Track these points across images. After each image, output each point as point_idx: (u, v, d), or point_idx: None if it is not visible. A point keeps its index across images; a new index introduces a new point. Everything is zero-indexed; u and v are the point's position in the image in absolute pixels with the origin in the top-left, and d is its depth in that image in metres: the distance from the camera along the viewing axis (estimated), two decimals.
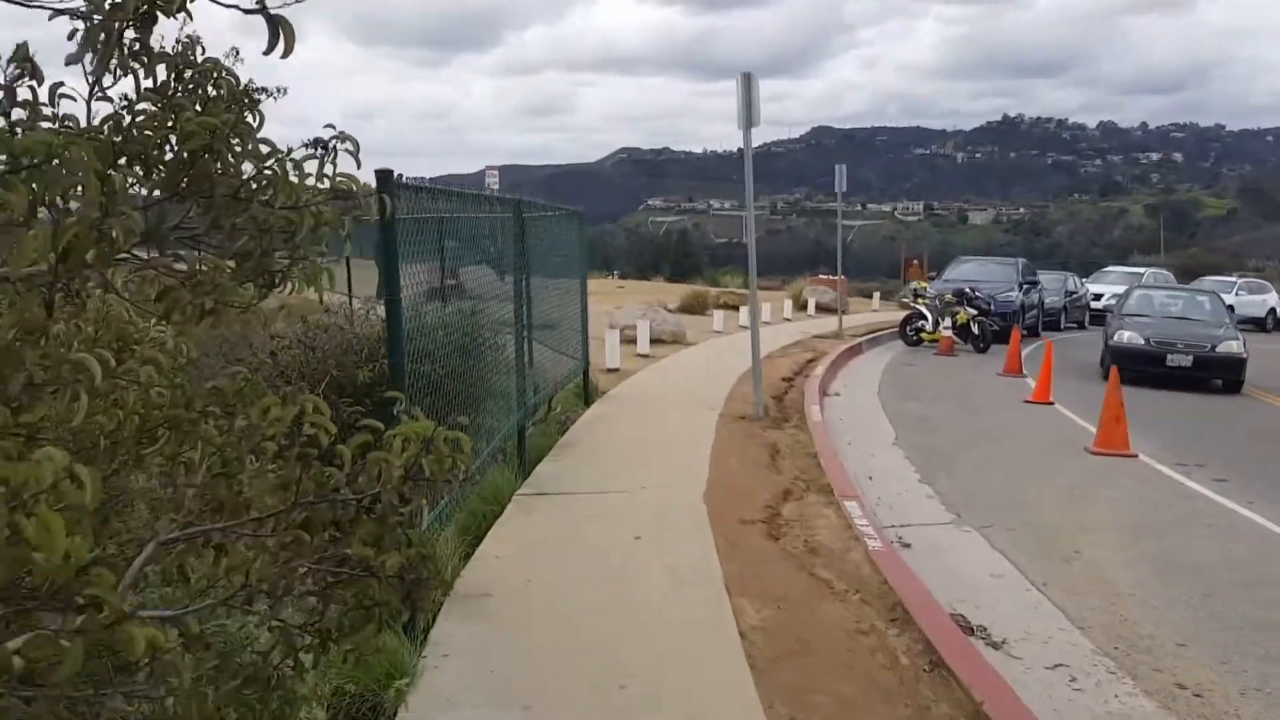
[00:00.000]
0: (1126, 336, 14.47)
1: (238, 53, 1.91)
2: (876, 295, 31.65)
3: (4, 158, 1.54)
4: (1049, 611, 5.13)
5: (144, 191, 1.94)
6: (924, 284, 19.73)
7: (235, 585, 1.65)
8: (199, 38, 2.02)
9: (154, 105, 1.86)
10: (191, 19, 1.88)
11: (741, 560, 5.40)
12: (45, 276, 1.69)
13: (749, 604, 4.72)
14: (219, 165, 1.83)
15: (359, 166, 2.07)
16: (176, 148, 1.81)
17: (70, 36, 1.69)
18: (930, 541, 6.29)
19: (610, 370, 12.69)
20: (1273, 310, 27.06)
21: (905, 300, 20.99)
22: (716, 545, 5.62)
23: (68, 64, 1.84)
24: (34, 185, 1.50)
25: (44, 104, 1.73)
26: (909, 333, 18.30)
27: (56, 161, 1.58)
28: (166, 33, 1.97)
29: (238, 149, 1.84)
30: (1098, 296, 25.89)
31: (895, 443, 9.49)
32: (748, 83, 9.73)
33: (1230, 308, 16.61)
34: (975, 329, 17.68)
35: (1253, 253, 79.04)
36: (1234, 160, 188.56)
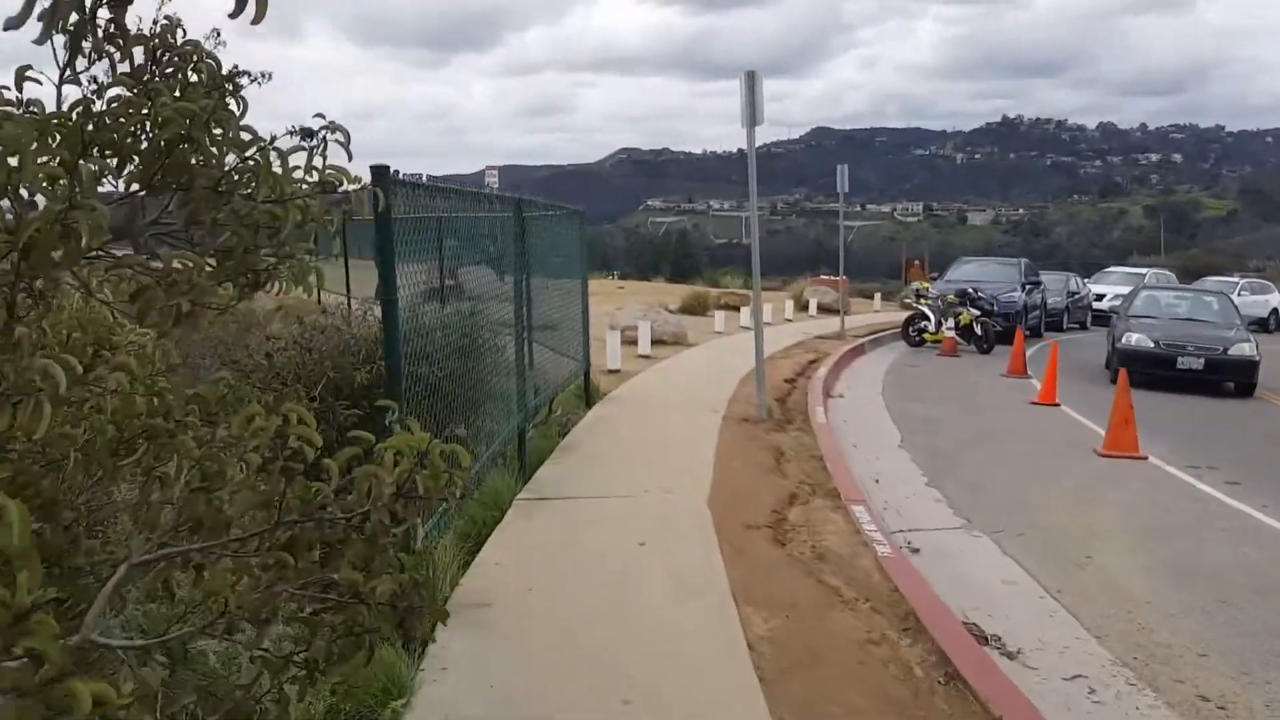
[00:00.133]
0: (1135, 339, 14.13)
1: (219, 34, 1.77)
2: (878, 296, 31.52)
3: None
4: (1064, 619, 5.00)
5: (119, 185, 1.81)
6: (926, 284, 19.61)
7: (215, 611, 1.52)
8: (179, 19, 1.89)
9: (128, 90, 1.73)
10: None
11: (747, 567, 5.26)
12: (7, 276, 1.56)
13: (756, 613, 4.59)
14: (198, 155, 1.70)
15: (350, 159, 1.94)
16: (152, 136, 1.68)
17: (28, 10, 1.54)
18: (939, 547, 6.15)
19: (611, 371, 12.56)
20: (1275, 310, 26.97)
21: (907, 301, 20.87)
22: (722, 551, 5.49)
23: (38, 44, 1.71)
24: None
25: (6, 87, 1.60)
26: (911, 333, 18.16)
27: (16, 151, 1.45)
28: (144, 13, 1.85)
29: (219, 137, 1.71)
30: (1100, 297, 25.82)
31: (901, 445, 9.36)
32: (751, 81, 9.60)
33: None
34: (978, 330, 17.54)
35: (1253, 253, 78.87)
36: (1233, 161, 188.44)
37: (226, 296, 1.59)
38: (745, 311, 20.16)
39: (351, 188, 1.93)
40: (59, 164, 1.57)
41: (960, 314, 17.59)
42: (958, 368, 15.77)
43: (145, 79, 1.77)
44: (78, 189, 1.54)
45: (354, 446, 1.53)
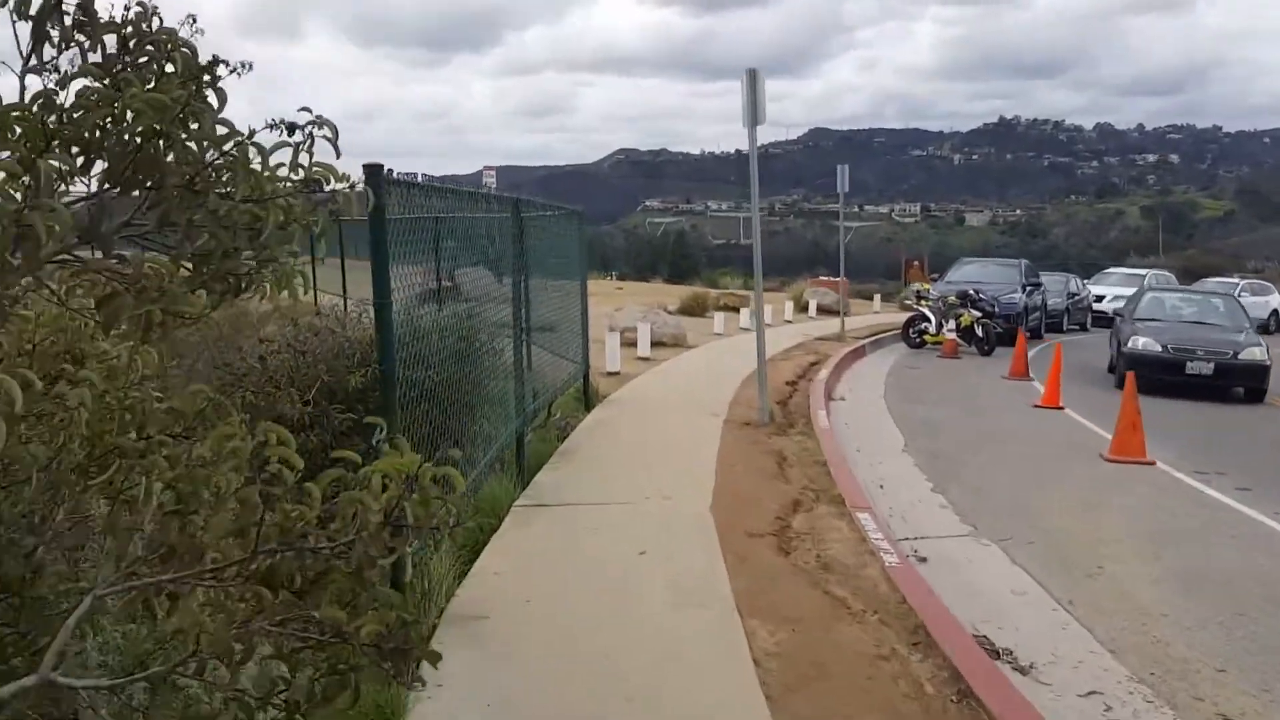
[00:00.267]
0: (1142, 343, 13.78)
1: (194, 20, 1.64)
2: (877, 297, 31.41)
3: None
4: (1077, 632, 4.87)
5: (89, 184, 1.68)
6: (926, 285, 19.49)
7: (186, 650, 1.39)
8: (155, 6, 1.75)
9: (96, 81, 1.60)
10: None
11: (751, 576, 5.13)
12: None
13: (761, 625, 4.46)
14: (171, 151, 1.57)
15: (338, 156, 1.81)
16: (120, 130, 1.55)
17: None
18: (947, 555, 6.03)
19: (611, 374, 12.43)
20: (1275, 312, 26.89)
21: (908, 302, 20.75)
22: (725, 560, 5.36)
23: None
24: None
25: None
26: (912, 335, 18.05)
27: None
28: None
29: (194, 130, 1.58)
30: (1099, 298, 25.73)
31: (904, 449, 9.23)
32: (753, 80, 9.48)
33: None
34: (979, 331, 17.43)
35: (1251, 254, 78.79)
36: (1231, 162, 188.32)
37: (200, 304, 1.45)
38: (745, 313, 20.04)
39: (340, 186, 1.80)
40: (17, 161, 1.44)
41: (961, 315, 17.47)
42: (959, 370, 15.65)
43: (115, 69, 1.64)
44: (37, 188, 1.41)
45: (337, 469, 1.40)
